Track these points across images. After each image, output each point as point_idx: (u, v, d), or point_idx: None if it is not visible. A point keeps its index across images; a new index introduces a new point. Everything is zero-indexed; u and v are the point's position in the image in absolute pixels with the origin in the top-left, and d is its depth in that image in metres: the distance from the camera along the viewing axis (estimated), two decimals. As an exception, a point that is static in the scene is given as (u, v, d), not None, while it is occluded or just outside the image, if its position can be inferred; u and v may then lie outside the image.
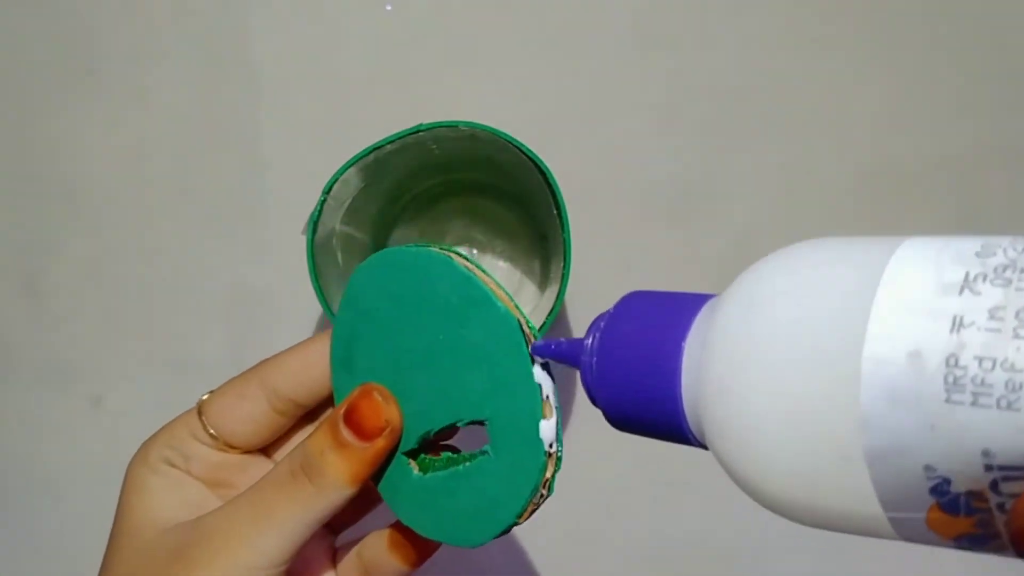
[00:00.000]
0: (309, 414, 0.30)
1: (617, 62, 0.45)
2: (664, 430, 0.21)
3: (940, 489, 0.16)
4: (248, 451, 0.30)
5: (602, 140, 0.45)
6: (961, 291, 0.16)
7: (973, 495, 0.16)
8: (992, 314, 0.15)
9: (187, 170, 0.46)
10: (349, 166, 0.36)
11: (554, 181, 0.35)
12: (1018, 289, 0.16)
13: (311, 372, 0.29)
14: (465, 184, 0.43)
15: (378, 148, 0.36)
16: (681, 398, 0.21)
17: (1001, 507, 0.16)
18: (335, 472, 0.26)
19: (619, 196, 0.45)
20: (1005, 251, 0.16)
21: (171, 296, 0.46)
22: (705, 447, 0.21)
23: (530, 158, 0.35)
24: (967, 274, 0.16)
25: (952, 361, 0.16)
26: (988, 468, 0.15)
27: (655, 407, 0.21)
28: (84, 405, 0.46)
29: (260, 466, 0.30)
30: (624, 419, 0.22)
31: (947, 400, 0.16)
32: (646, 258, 0.45)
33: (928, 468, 0.16)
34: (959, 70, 0.45)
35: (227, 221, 0.46)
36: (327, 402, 0.30)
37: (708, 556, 0.45)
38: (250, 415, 0.29)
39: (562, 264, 0.35)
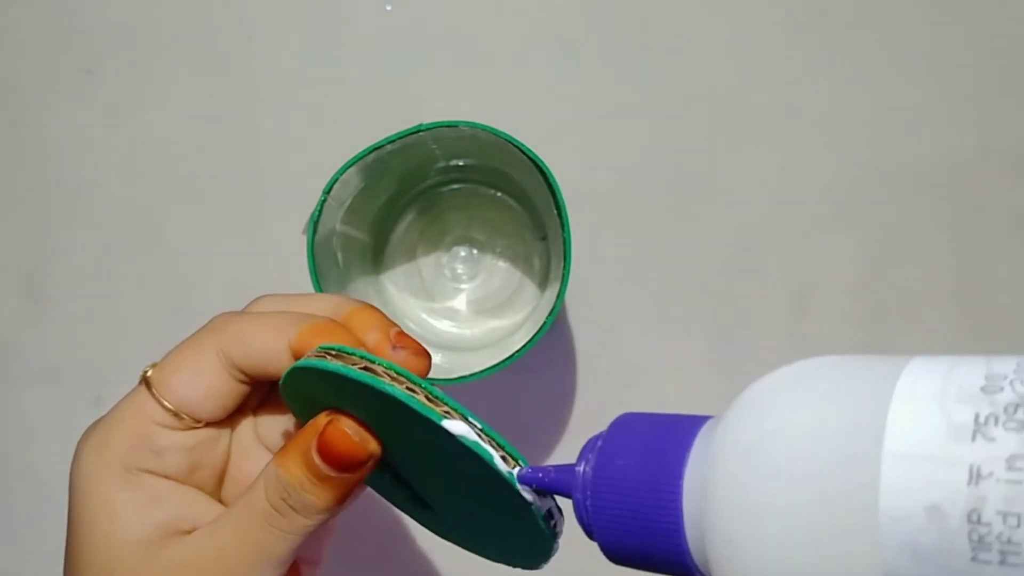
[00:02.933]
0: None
1: (617, 62, 0.45)
2: (668, 569, 0.20)
3: None
4: (212, 424, 0.28)
5: (602, 140, 0.45)
6: (974, 436, 0.15)
7: None
8: (1010, 464, 0.15)
9: (187, 170, 0.46)
10: (349, 166, 0.36)
11: (554, 181, 0.35)
12: None
13: (272, 348, 0.26)
14: (465, 184, 0.43)
15: (378, 148, 0.36)
16: (686, 539, 0.19)
17: None
18: (322, 502, 0.25)
19: (619, 196, 0.45)
20: (1012, 385, 0.16)
21: (171, 296, 0.46)
22: None
23: (530, 158, 0.35)
24: (976, 416, 0.15)
25: (975, 517, 0.15)
26: None
27: (657, 548, 0.20)
28: (84, 405, 0.46)
29: (225, 438, 0.28)
30: (623, 556, 0.21)
31: (973, 559, 0.15)
32: (646, 258, 0.45)
33: None
34: (959, 70, 0.45)
35: (227, 221, 0.46)
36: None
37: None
38: (212, 388, 0.26)
39: (562, 264, 0.35)
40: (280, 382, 0.25)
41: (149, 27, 0.46)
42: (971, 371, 0.16)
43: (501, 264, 0.44)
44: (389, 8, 0.45)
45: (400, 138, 0.36)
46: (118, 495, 0.26)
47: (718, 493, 0.18)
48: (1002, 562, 0.15)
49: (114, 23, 0.46)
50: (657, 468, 0.20)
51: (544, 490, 0.23)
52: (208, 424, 0.27)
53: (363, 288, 0.41)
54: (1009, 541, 0.14)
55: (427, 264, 0.44)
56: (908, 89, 0.45)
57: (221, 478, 0.28)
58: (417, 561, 0.45)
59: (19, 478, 0.47)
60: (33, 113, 0.46)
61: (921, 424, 0.16)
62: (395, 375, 0.23)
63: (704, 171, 0.45)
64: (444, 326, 0.44)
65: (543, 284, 0.42)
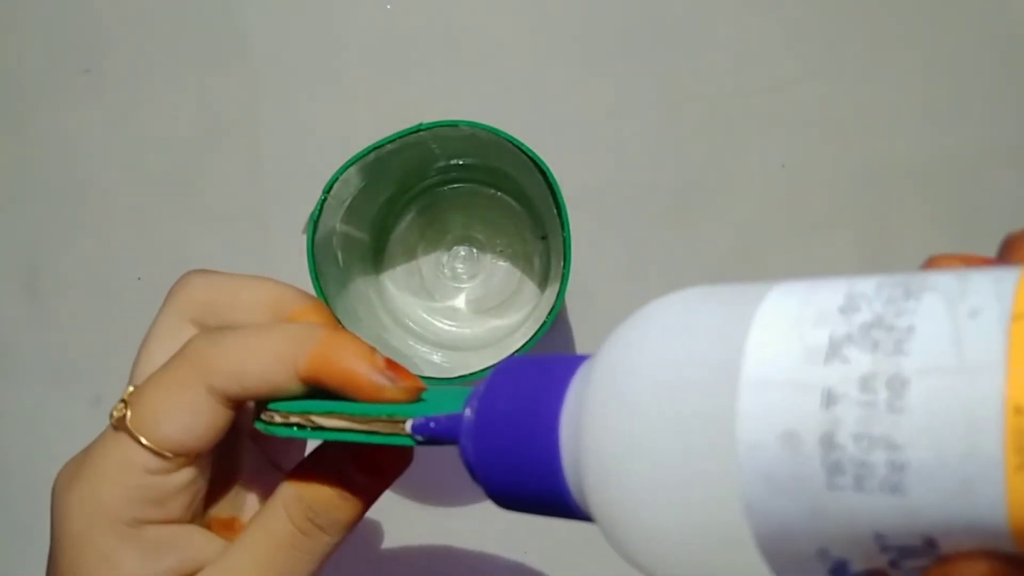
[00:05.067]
0: None
1: (617, 62, 0.45)
2: (551, 509, 0.20)
3: (838, 570, 0.15)
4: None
5: (602, 140, 0.45)
6: (828, 359, 0.15)
7: (875, 572, 0.15)
8: (864, 385, 0.14)
9: (187, 170, 0.46)
10: (349, 166, 0.36)
11: (554, 181, 0.35)
12: (887, 353, 0.14)
13: (276, 379, 0.24)
14: (465, 183, 0.43)
15: (378, 148, 0.36)
16: (564, 476, 0.19)
17: None
18: (351, 516, 0.25)
19: (619, 196, 0.45)
20: (870, 304, 0.15)
21: (171, 296, 0.46)
22: (592, 521, 0.20)
23: (530, 158, 0.35)
24: (831, 337, 0.15)
25: (828, 441, 0.14)
26: (884, 549, 0.14)
27: (538, 487, 0.20)
28: (84, 405, 0.46)
29: (205, 463, 0.26)
30: (508, 499, 0.21)
31: (829, 485, 0.14)
32: (646, 257, 0.45)
33: (822, 552, 0.15)
34: (959, 70, 0.45)
35: (227, 221, 0.46)
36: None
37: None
38: (207, 426, 0.24)
39: (562, 264, 0.35)
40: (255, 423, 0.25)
41: (149, 27, 0.46)
42: (831, 292, 0.16)
43: (501, 263, 0.44)
44: (389, 8, 0.45)
45: (400, 138, 0.36)
46: (120, 551, 0.24)
47: (589, 430, 0.18)
48: (857, 487, 0.14)
49: (114, 23, 0.46)
50: (534, 409, 0.20)
51: (435, 438, 0.22)
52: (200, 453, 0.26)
53: (363, 287, 0.41)
54: (863, 464, 0.14)
55: (427, 263, 0.44)
56: (908, 89, 0.45)
57: (210, 498, 0.27)
58: (417, 561, 0.45)
59: (19, 478, 0.47)
60: (33, 113, 0.46)
61: (777, 349, 0.15)
62: (365, 418, 0.23)
63: (704, 171, 0.45)
64: (444, 325, 0.44)
65: (543, 284, 0.42)
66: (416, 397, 0.24)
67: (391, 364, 0.24)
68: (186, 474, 0.24)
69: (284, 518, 0.24)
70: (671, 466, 0.16)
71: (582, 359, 0.20)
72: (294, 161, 0.45)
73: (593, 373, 0.19)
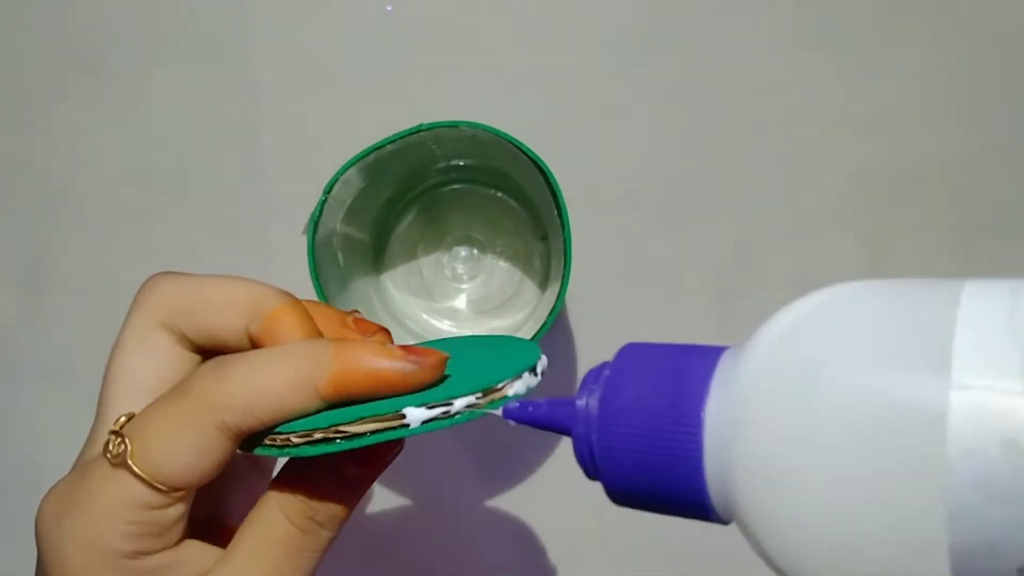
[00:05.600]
0: None
1: (617, 62, 0.45)
2: (681, 510, 0.19)
3: None
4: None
5: (602, 140, 0.45)
6: None
7: None
8: None
9: (187, 170, 0.46)
10: (349, 166, 0.36)
11: (554, 181, 0.35)
12: None
13: (292, 407, 0.23)
14: (465, 184, 0.43)
15: (378, 148, 0.36)
16: (705, 475, 0.18)
17: None
18: (347, 508, 0.25)
19: (619, 196, 0.45)
20: None
21: (171, 296, 0.46)
22: (727, 523, 0.19)
23: (530, 158, 0.35)
24: None
25: None
26: None
27: (672, 486, 0.18)
28: (84, 405, 0.46)
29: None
30: (631, 496, 0.20)
31: None
32: (646, 258, 0.45)
33: (1022, 570, 0.15)
34: (959, 70, 0.45)
35: (227, 221, 0.46)
36: None
37: (709, 557, 0.45)
38: (214, 463, 0.23)
39: (562, 264, 0.35)
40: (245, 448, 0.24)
41: (149, 27, 0.46)
42: None
43: (501, 264, 0.44)
44: (389, 8, 0.45)
45: (400, 138, 0.36)
46: None
47: (754, 427, 0.17)
48: None
49: (114, 23, 0.46)
50: (674, 398, 0.18)
51: (534, 425, 0.21)
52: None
53: (363, 288, 0.41)
54: None
55: (427, 264, 0.44)
56: (908, 89, 0.45)
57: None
58: (417, 561, 0.45)
59: (19, 478, 0.47)
60: (33, 113, 0.46)
61: (990, 353, 0.15)
62: (359, 422, 0.22)
63: (704, 171, 0.45)
64: (444, 326, 0.44)
65: (543, 284, 0.42)
66: (444, 370, 0.24)
67: (407, 349, 0.24)
68: (185, 504, 0.24)
69: (283, 520, 0.24)
70: (860, 471, 0.16)
71: (721, 349, 0.19)
72: (294, 161, 0.45)
73: (751, 364, 0.18)
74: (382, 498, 0.44)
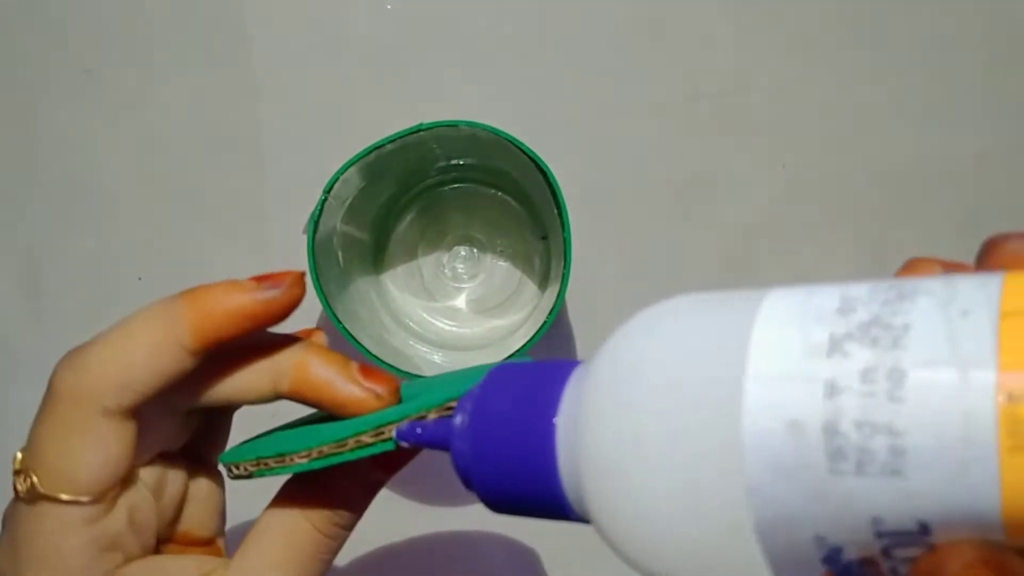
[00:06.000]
0: None
1: (618, 62, 0.45)
2: (545, 511, 0.21)
3: (831, 558, 0.16)
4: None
5: (602, 140, 0.45)
6: (830, 353, 0.16)
7: (865, 562, 0.16)
8: (865, 376, 0.15)
9: (187, 170, 0.46)
10: (349, 166, 0.36)
11: (554, 181, 0.35)
12: (885, 348, 0.15)
13: (155, 363, 0.22)
14: (465, 184, 0.43)
15: (378, 148, 0.36)
16: (560, 478, 0.20)
17: (894, 571, 0.15)
18: (363, 512, 0.25)
19: (619, 196, 0.45)
20: (866, 306, 0.16)
21: (171, 296, 0.46)
22: (588, 522, 0.20)
23: (530, 158, 0.35)
24: (831, 334, 0.16)
25: (831, 429, 0.15)
26: (879, 535, 0.15)
27: (533, 490, 0.20)
28: (84, 405, 0.46)
29: (142, 486, 0.24)
30: (502, 503, 0.21)
31: (831, 470, 0.15)
32: (646, 257, 0.45)
33: (818, 538, 0.16)
34: (959, 71, 0.45)
35: (227, 221, 0.46)
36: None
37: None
38: (120, 447, 0.22)
39: (562, 264, 0.35)
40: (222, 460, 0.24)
41: (149, 27, 0.46)
42: (827, 296, 0.17)
43: (501, 264, 0.44)
44: (389, 7, 0.45)
45: (400, 138, 0.36)
46: None
47: (591, 427, 0.19)
48: (858, 471, 0.15)
49: (113, 23, 0.46)
50: (529, 410, 0.20)
51: (422, 445, 0.22)
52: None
53: (364, 288, 0.41)
54: (865, 450, 0.15)
55: (427, 263, 0.44)
56: (908, 89, 0.45)
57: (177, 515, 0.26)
58: (417, 561, 0.45)
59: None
60: (33, 113, 0.46)
61: (780, 345, 0.16)
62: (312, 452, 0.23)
63: (704, 171, 0.45)
64: (444, 325, 0.44)
65: (543, 284, 0.42)
66: (303, 287, 0.23)
67: (261, 277, 0.23)
68: (125, 504, 0.23)
69: (308, 527, 0.24)
70: (674, 460, 0.17)
71: (575, 364, 0.21)
72: (294, 161, 0.45)
73: (591, 375, 0.19)
74: (380, 499, 0.44)
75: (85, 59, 0.46)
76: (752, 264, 0.44)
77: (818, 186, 0.45)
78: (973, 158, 0.44)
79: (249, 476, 0.24)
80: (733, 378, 0.16)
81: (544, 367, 0.21)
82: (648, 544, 0.18)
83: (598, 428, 0.18)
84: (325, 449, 0.22)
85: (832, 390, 0.15)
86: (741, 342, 0.17)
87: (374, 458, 0.23)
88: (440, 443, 0.22)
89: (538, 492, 0.20)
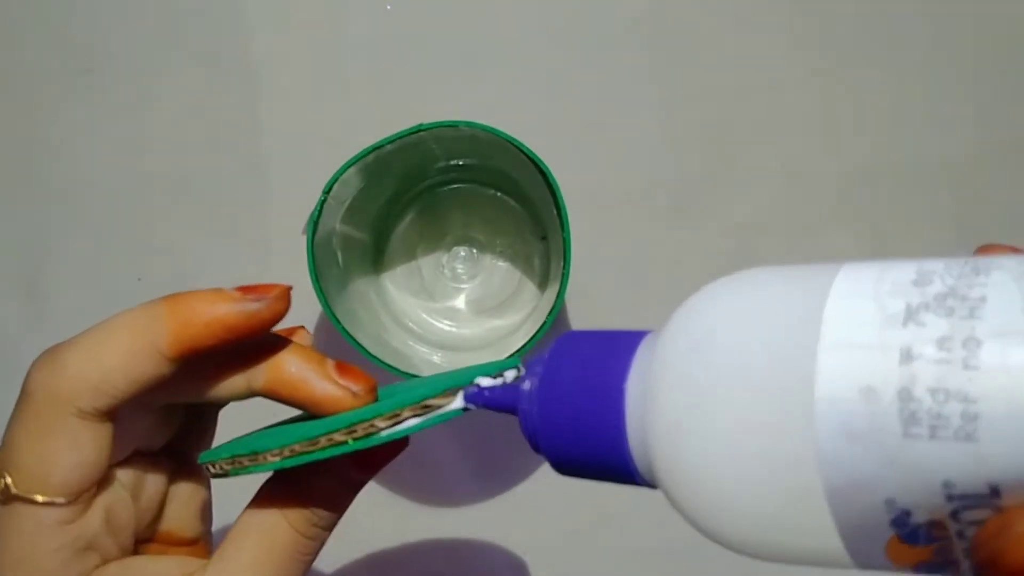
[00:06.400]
0: None
1: (617, 62, 0.45)
2: (612, 474, 0.21)
3: (900, 521, 0.16)
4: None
5: (602, 140, 0.45)
6: (905, 323, 0.16)
7: (933, 525, 0.16)
8: (940, 345, 0.15)
9: (187, 170, 0.46)
10: (349, 166, 0.36)
11: (554, 181, 0.35)
12: (961, 318, 0.16)
13: (131, 367, 0.22)
14: (465, 184, 0.43)
15: (378, 148, 0.36)
16: (627, 442, 0.20)
17: (960, 534, 0.16)
18: (343, 512, 0.25)
19: (619, 196, 0.45)
20: (942, 279, 0.16)
21: (171, 296, 0.46)
22: (654, 487, 0.20)
23: (530, 158, 0.35)
24: (908, 305, 0.16)
25: (905, 395, 0.15)
26: (949, 498, 0.15)
27: (601, 452, 0.21)
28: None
29: (120, 485, 0.24)
30: (570, 465, 0.22)
31: (904, 434, 0.15)
32: (646, 258, 0.45)
33: (889, 502, 0.16)
34: (959, 70, 0.45)
35: (227, 221, 0.46)
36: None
37: (708, 558, 0.45)
38: (95, 450, 0.22)
39: (562, 264, 0.35)
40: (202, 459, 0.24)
41: (149, 27, 0.46)
42: (903, 269, 0.17)
43: (501, 264, 0.44)
44: (389, 8, 0.45)
45: (400, 138, 0.36)
46: None
47: (664, 392, 0.19)
48: (932, 436, 0.15)
49: (113, 23, 0.46)
50: (599, 375, 0.21)
51: (489, 407, 0.23)
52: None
53: (363, 288, 0.41)
54: (939, 415, 0.15)
55: (427, 264, 0.44)
56: (908, 89, 0.45)
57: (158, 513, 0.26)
58: (417, 561, 0.45)
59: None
60: (33, 113, 0.46)
61: (856, 315, 0.17)
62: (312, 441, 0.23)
63: (704, 171, 0.45)
64: (444, 325, 0.44)
65: (543, 284, 0.42)
66: (288, 301, 0.23)
67: (246, 288, 0.23)
68: (102, 504, 0.23)
69: (286, 527, 0.24)
70: (747, 426, 0.18)
71: (644, 333, 0.21)
72: (294, 161, 0.45)
73: (662, 343, 0.20)
74: (380, 499, 0.44)
75: (85, 59, 0.46)
76: (752, 264, 0.44)
77: (818, 186, 0.45)
78: (973, 158, 0.44)
79: (225, 475, 0.23)
80: (807, 345, 0.17)
81: (613, 335, 0.22)
82: (714, 507, 0.18)
83: (670, 393, 0.19)
84: (297, 447, 0.22)
85: (907, 357, 0.16)
86: (815, 311, 0.17)
87: (351, 457, 0.23)
88: (508, 406, 0.22)
89: (607, 455, 0.21)
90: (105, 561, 0.23)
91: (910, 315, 0.16)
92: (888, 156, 0.45)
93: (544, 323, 0.35)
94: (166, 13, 0.46)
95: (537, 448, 0.22)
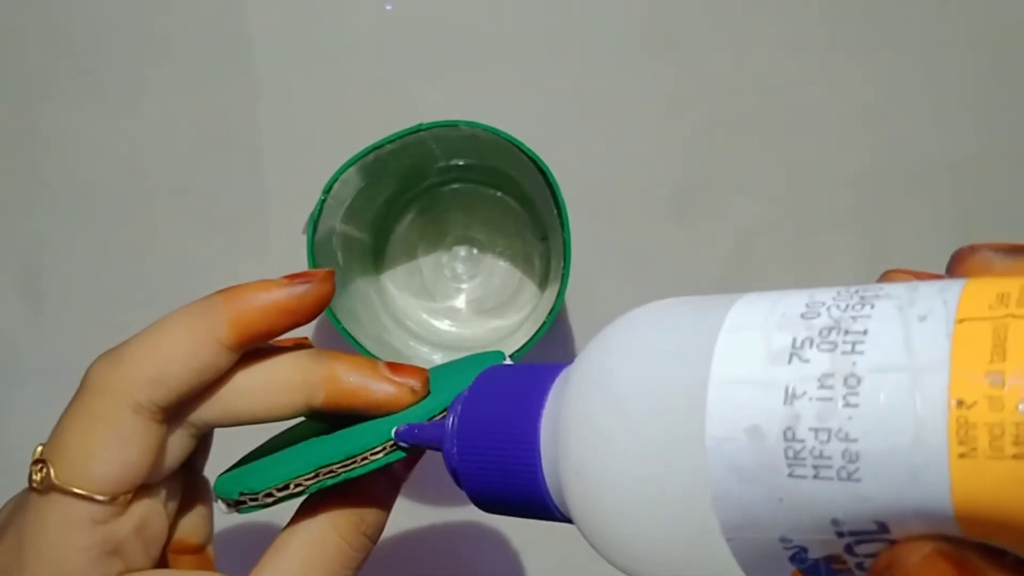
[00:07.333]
0: None
1: (618, 62, 0.45)
2: (531, 512, 0.21)
3: (799, 557, 0.16)
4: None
5: (602, 140, 0.45)
6: (790, 359, 0.16)
7: (832, 559, 0.16)
8: (822, 382, 0.15)
9: (186, 170, 0.46)
10: (349, 166, 0.36)
11: (554, 181, 0.35)
12: (844, 353, 0.15)
13: (191, 357, 0.22)
14: (465, 184, 0.43)
15: (378, 148, 0.36)
16: (544, 480, 0.20)
17: (860, 566, 0.16)
18: (385, 519, 0.25)
19: (619, 196, 0.45)
20: (829, 311, 0.16)
21: (171, 296, 0.46)
22: (571, 522, 0.20)
23: (530, 158, 0.35)
24: (794, 340, 0.16)
25: (790, 434, 0.15)
26: (840, 535, 0.15)
27: (518, 491, 0.21)
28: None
29: (159, 496, 0.24)
30: (489, 502, 0.22)
31: (790, 475, 0.15)
32: (646, 258, 0.45)
33: (783, 539, 0.16)
34: (959, 70, 0.45)
35: (227, 221, 0.46)
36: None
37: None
38: (142, 450, 0.22)
39: (562, 264, 0.35)
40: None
41: (148, 27, 0.46)
42: (794, 301, 0.17)
43: (501, 264, 0.44)
44: (389, 8, 0.45)
45: (400, 138, 0.36)
46: None
47: (569, 430, 0.19)
48: (816, 476, 0.15)
49: (113, 23, 0.46)
50: (515, 414, 0.21)
51: (421, 444, 0.23)
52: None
53: (363, 288, 0.41)
54: (821, 455, 0.15)
55: (427, 264, 0.44)
56: (908, 89, 0.45)
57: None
58: (417, 561, 0.45)
59: (19, 478, 0.46)
60: (33, 113, 0.46)
61: (743, 351, 0.17)
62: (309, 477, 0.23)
63: (704, 171, 0.45)
64: (444, 326, 0.44)
65: (543, 284, 0.42)
66: (333, 283, 0.24)
67: (292, 276, 0.24)
68: (137, 512, 0.23)
69: (337, 538, 0.23)
70: (645, 462, 0.17)
71: (562, 367, 0.21)
72: (294, 161, 0.45)
73: (571, 379, 0.20)
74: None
75: (85, 59, 0.46)
76: (752, 265, 0.44)
77: (818, 186, 0.45)
78: (973, 158, 0.44)
79: (264, 506, 0.23)
80: (697, 383, 0.17)
81: (531, 370, 0.22)
82: (623, 545, 0.18)
83: (574, 431, 0.19)
84: (336, 468, 0.23)
85: (791, 396, 0.15)
86: (706, 347, 0.17)
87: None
88: (435, 443, 0.22)
89: (524, 492, 0.21)
90: (128, 570, 0.23)
91: (795, 351, 0.16)
92: (889, 157, 0.45)
93: (544, 323, 0.35)
94: (166, 13, 0.46)
95: (459, 484, 0.22)
